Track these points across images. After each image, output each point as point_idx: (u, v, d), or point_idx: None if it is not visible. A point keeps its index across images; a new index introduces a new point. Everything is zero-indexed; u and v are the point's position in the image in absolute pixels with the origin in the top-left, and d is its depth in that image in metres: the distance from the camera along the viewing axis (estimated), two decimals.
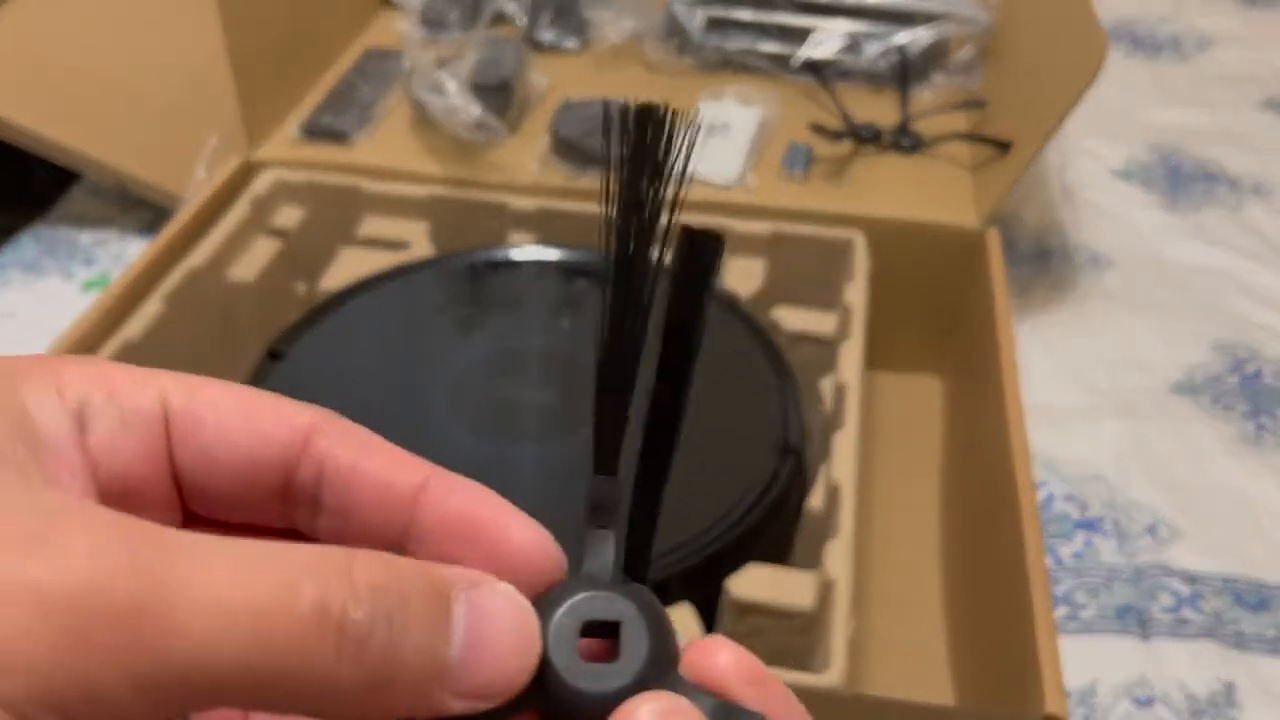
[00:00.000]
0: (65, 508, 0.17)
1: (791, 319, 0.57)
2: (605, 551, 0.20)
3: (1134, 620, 0.51)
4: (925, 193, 0.63)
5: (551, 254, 0.59)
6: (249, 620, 0.15)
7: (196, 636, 0.15)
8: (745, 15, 0.75)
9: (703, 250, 0.18)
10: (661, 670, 0.19)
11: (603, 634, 0.19)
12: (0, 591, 0.15)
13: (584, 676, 0.18)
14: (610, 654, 0.19)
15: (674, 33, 0.75)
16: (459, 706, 0.17)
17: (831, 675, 0.38)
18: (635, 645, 0.19)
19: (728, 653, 0.19)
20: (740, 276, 0.58)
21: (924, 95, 0.72)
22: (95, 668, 0.15)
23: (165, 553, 0.16)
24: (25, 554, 0.15)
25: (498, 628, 0.18)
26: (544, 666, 0.18)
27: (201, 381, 0.20)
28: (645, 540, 0.20)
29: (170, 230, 0.58)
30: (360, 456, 0.20)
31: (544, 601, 0.19)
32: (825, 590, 0.42)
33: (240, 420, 0.20)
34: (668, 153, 0.18)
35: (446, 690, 0.17)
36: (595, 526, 0.20)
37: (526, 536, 0.20)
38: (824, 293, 0.58)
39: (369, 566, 0.17)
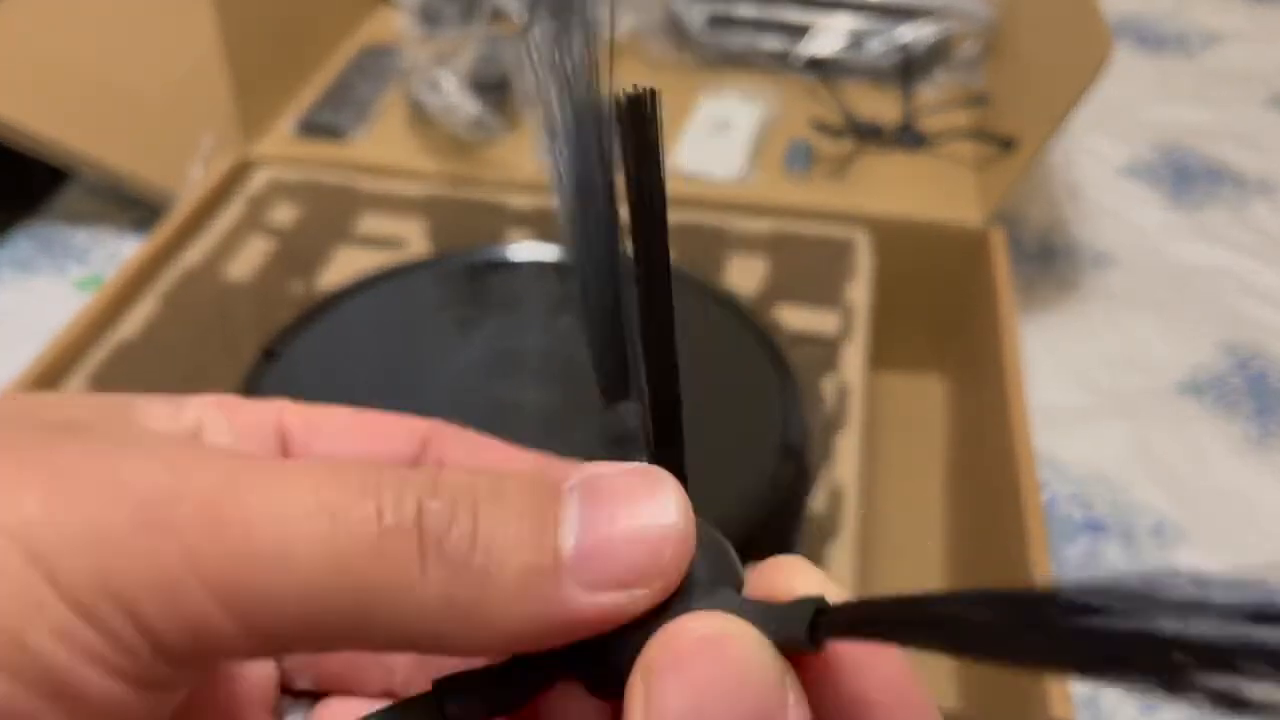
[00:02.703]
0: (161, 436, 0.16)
1: (793, 318, 0.56)
2: None
3: None
4: (928, 190, 0.62)
5: (551, 253, 0.58)
6: (320, 522, 0.14)
7: (267, 539, 0.14)
8: (747, 11, 0.75)
9: (639, 107, 0.17)
10: (711, 591, 0.15)
11: None
12: (68, 479, 0.14)
13: None
14: None
15: (674, 29, 0.75)
16: (592, 602, 0.14)
17: None
18: None
19: (811, 578, 0.16)
20: (741, 275, 0.58)
21: (927, 92, 0.71)
22: (162, 556, 0.13)
23: (241, 461, 0.15)
24: (105, 455, 0.14)
25: (626, 495, 0.15)
26: None
27: (320, 406, 0.20)
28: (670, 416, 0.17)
29: (165, 229, 0.57)
30: (476, 451, 0.19)
31: None
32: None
33: (356, 423, 0.19)
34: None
35: (572, 583, 0.14)
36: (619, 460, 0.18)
37: None
38: (826, 291, 0.57)
39: (455, 470, 0.15)
